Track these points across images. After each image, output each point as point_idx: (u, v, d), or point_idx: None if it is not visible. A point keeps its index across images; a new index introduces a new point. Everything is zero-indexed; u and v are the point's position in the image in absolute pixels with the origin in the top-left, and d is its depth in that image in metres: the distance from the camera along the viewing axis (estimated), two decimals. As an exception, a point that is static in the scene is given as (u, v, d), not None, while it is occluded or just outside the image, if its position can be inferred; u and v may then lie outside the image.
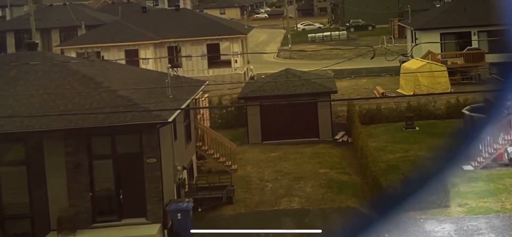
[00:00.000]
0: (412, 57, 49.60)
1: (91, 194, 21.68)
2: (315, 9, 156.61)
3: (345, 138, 34.68)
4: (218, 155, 29.62)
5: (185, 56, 54.29)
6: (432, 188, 2.58)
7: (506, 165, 27.86)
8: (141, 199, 21.69)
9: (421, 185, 2.59)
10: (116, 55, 52.01)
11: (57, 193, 21.52)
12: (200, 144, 29.62)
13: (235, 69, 55.68)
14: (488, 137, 28.13)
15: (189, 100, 25.41)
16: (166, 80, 24.85)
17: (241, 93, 37.15)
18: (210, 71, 55.29)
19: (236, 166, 29.71)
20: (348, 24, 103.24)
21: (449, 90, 43.71)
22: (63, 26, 74.24)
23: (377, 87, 47.63)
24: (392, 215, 2.59)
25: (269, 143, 34.23)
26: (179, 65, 49.40)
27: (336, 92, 36.00)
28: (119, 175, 21.89)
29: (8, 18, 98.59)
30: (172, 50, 56.61)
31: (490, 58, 50.10)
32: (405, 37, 67.11)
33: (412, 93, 43.09)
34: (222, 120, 39.33)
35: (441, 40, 51.27)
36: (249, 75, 58.18)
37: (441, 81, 45.02)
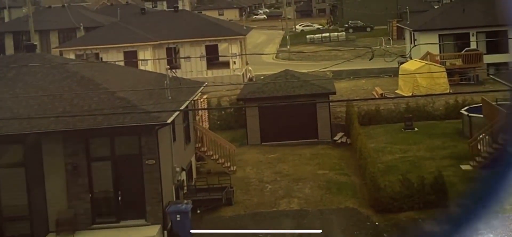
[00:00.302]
0: (411, 58, 49.64)
1: (90, 195, 21.67)
2: (314, 10, 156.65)
3: (344, 139, 34.68)
4: (217, 157, 29.62)
5: (184, 57, 54.32)
6: None
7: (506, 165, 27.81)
8: (140, 201, 21.68)
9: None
10: (114, 57, 52.01)
11: (55, 195, 21.51)
12: (199, 145, 29.62)
13: (234, 70, 55.69)
14: (487, 137, 28.17)
15: (188, 102, 25.39)
16: (165, 82, 24.84)
17: (240, 95, 37.14)
18: (209, 72, 55.30)
19: (235, 167, 29.71)
20: (346, 25, 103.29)
21: (447, 91, 43.74)
22: (61, 27, 74.23)
23: (376, 88, 47.64)
24: None
25: (268, 144, 34.23)
26: (177, 66, 49.52)
27: (335, 93, 36.01)
28: (118, 177, 21.87)
29: (6, 19, 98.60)
30: (170, 52, 56.73)
31: (488, 59, 50.22)
32: (404, 38, 67.17)
33: (410, 94, 43.11)
34: (221, 122, 39.33)
35: (439, 41, 51.33)
36: (248, 76, 58.18)
37: (440, 82, 45.04)
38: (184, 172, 25.72)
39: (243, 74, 56.62)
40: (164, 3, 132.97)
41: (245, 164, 30.63)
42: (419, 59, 48.50)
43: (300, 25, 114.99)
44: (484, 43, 51.22)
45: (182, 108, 24.07)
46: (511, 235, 21.37)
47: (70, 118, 21.22)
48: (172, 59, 56.13)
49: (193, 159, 29.00)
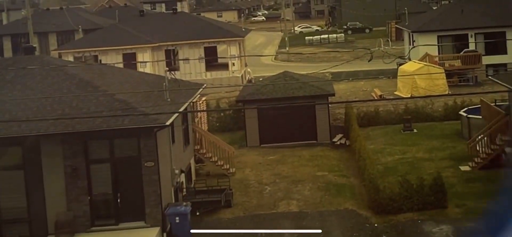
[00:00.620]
0: (410, 60, 49.66)
1: (89, 198, 21.67)
2: (313, 12, 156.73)
3: (343, 141, 34.69)
4: (216, 159, 29.62)
5: (183, 59, 54.34)
6: None
7: (504, 165, 27.87)
8: (139, 203, 21.67)
9: None
10: (113, 59, 52.03)
11: (55, 197, 21.50)
12: (198, 147, 29.62)
13: (233, 72, 55.72)
14: (486, 138, 28.19)
15: (186, 104, 25.39)
16: (164, 84, 24.84)
17: (239, 96, 37.15)
18: (208, 74, 55.34)
19: (234, 169, 29.72)
20: (345, 27, 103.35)
21: (446, 92, 43.77)
22: (60, 30, 74.24)
23: (375, 89, 47.66)
24: None
25: (267, 146, 34.24)
26: (176, 68, 49.52)
27: (334, 94, 36.01)
28: (117, 179, 21.87)
29: (5, 22, 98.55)
30: (169, 53, 56.76)
31: (487, 60, 50.26)
32: (403, 40, 67.23)
33: (409, 95, 43.12)
34: (220, 123, 39.35)
35: (438, 42, 51.37)
36: (247, 78, 58.21)
37: (439, 83, 45.07)
38: (183, 174, 25.72)
39: (242, 75, 56.65)
40: (163, 5, 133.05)
41: (244, 166, 30.63)
42: (418, 60, 48.52)
43: (299, 27, 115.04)
44: (482, 44, 51.28)
45: (181, 110, 24.07)
46: None
47: (69, 120, 21.21)
48: (171, 61, 56.18)
49: (192, 161, 29.00)
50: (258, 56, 70.84)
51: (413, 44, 53.87)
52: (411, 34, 56.29)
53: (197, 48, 55.51)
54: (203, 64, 55.48)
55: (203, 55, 55.17)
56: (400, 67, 47.92)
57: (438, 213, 23.22)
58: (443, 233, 21.72)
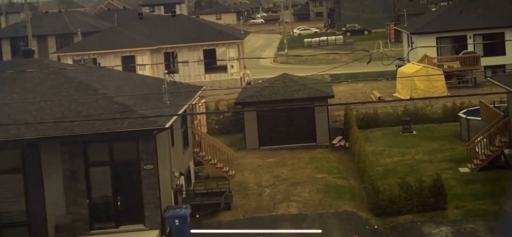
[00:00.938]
0: (409, 61, 49.69)
1: (88, 201, 21.65)
2: (311, 14, 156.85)
3: (342, 143, 34.69)
4: (215, 161, 29.60)
5: (182, 62, 54.36)
6: None
7: (504, 167, 27.88)
8: (138, 206, 21.65)
9: None
10: (112, 62, 52.03)
11: (54, 200, 21.48)
12: (198, 150, 29.60)
13: (232, 74, 55.75)
14: (485, 140, 28.20)
15: (186, 106, 25.38)
16: (163, 86, 24.84)
17: (238, 99, 37.14)
18: (207, 76, 55.36)
19: (233, 171, 29.70)
20: (344, 29, 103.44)
21: (445, 94, 43.81)
22: (59, 33, 74.30)
23: (374, 91, 47.68)
24: None
25: (267, 148, 34.22)
26: (175, 71, 49.53)
27: (333, 96, 36.01)
28: (117, 182, 21.85)
29: (3, 25, 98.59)
30: (168, 56, 56.77)
31: (486, 61, 50.30)
32: (401, 41, 67.24)
33: (408, 97, 43.14)
34: (219, 126, 39.34)
35: (437, 44, 51.42)
36: (246, 80, 58.23)
37: (438, 85, 45.10)
38: (182, 177, 25.70)
39: (241, 78, 56.67)
40: (162, 8, 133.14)
41: (243, 168, 30.62)
42: (417, 62, 48.54)
43: (297, 29, 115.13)
44: (481, 46, 51.31)
45: (180, 112, 24.06)
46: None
47: (68, 123, 21.20)
48: (170, 63, 56.20)
49: (191, 164, 28.99)
50: (257, 59, 70.85)
51: (412, 46, 53.92)
52: (410, 35, 56.33)
53: (196, 51, 55.52)
54: (202, 67, 55.51)
55: (202, 57, 55.19)
56: (399, 69, 47.95)
57: (437, 214, 23.22)
58: (442, 235, 21.72)
